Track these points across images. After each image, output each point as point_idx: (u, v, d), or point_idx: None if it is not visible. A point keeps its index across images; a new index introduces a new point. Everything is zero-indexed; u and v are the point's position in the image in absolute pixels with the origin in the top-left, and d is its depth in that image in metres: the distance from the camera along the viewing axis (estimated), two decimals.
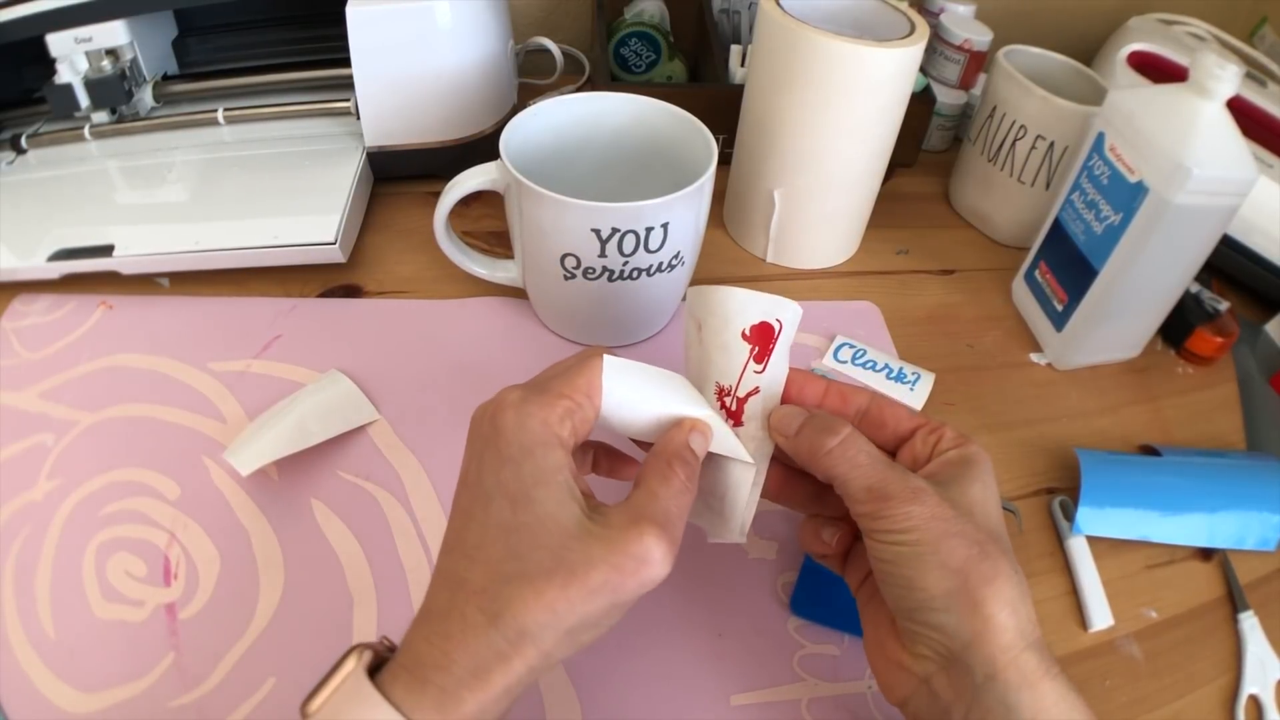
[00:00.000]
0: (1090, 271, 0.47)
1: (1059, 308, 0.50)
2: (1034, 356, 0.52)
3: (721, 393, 0.31)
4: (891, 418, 0.31)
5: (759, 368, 0.31)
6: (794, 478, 0.33)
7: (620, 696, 0.34)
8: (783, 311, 0.31)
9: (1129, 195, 0.44)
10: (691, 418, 0.29)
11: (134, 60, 0.54)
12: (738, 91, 0.54)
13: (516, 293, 0.49)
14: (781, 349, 0.31)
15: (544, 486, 0.26)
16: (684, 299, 0.34)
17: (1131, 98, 0.45)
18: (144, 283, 0.49)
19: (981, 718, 0.25)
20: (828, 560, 0.33)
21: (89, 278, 0.47)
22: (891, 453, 0.31)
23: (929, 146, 0.71)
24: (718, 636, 0.36)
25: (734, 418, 0.31)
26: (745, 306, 0.31)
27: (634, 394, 0.29)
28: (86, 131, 0.55)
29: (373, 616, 0.35)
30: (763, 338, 0.30)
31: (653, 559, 0.25)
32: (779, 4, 0.48)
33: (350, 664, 0.24)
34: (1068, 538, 0.42)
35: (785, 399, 0.31)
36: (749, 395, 0.31)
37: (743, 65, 0.61)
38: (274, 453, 0.38)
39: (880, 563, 0.27)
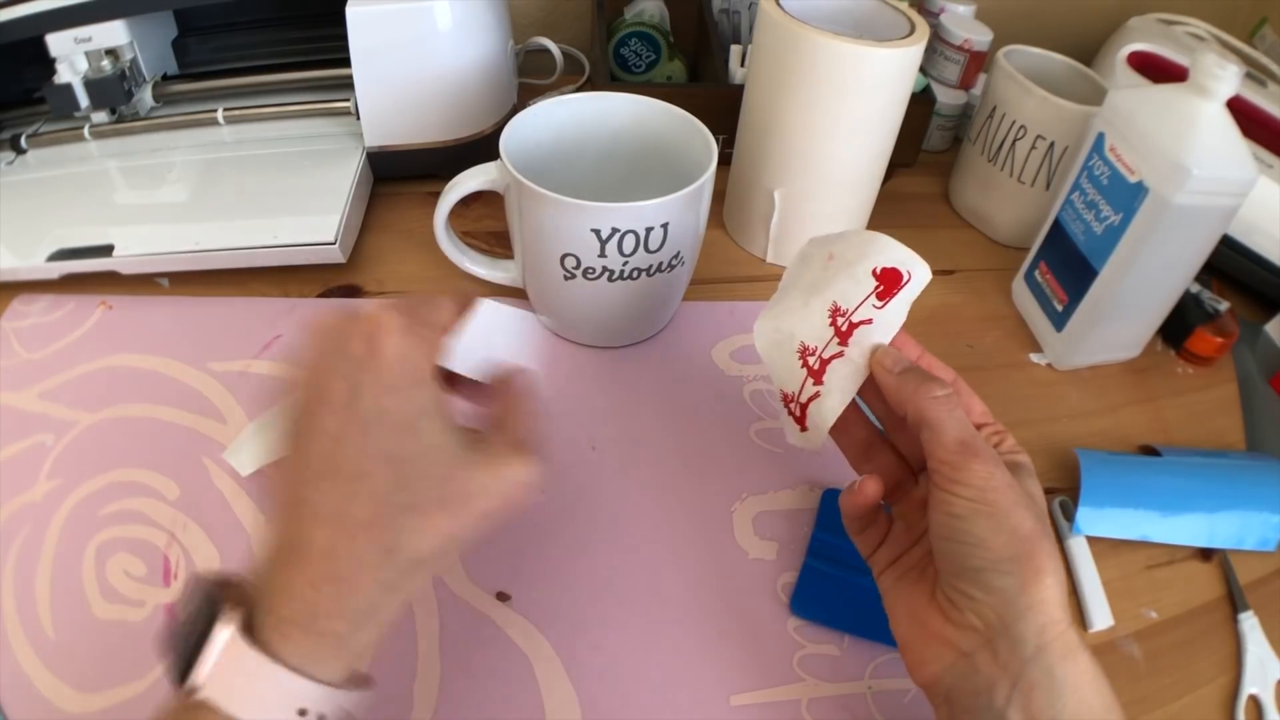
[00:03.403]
0: (1090, 272, 0.47)
1: (1059, 308, 0.50)
2: (1034, 356, 0.52)
3: (835, 312, 0.33)
4: (965, 405, 0.32)
5: (879, 304, 0.32)
6: (856, 417, 0.35)
7: (620, 696, 0.34)
8: (915, 267, 0.33)
9: (1129, 195, 0.44)
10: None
11: (134, 60, 0.54)
12: (738, 91, 0.54)
13: (517, 293, 0.49)
14: (903, 299, 0.32)
15: (429, 418, 0.25)
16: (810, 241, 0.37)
17: (1131, 98, 0.45)
18: (144, 283, 0.49)
19: (1028, 690, 0.26)
20: (861, 537, 0.33)
21: (89, 278, 0.47)
22: None
23: (929, 146, 0.71)
24: (718, 636, 0.36)
25: (841, 338, 0.32)
26: (885, 249, 0.33)
27: (493, 339, 0.32)
28: (86, 131, 0.55)
29: None
30: (890, 280, 0.32)
31: (533, 483, 0.27)
32: (779, 4, 0.48)
33: (225, 631, 0.23)
34: (1068, 538, 0.42)
35: None
36: (861, 323, 0.32)
37: (743, 65, 0.61)
38: (274, 453, 0.38)
39: (951, 518, 0.28)
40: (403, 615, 0.28)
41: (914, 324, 0.56)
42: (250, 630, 0.23)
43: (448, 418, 0.26)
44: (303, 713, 0.22)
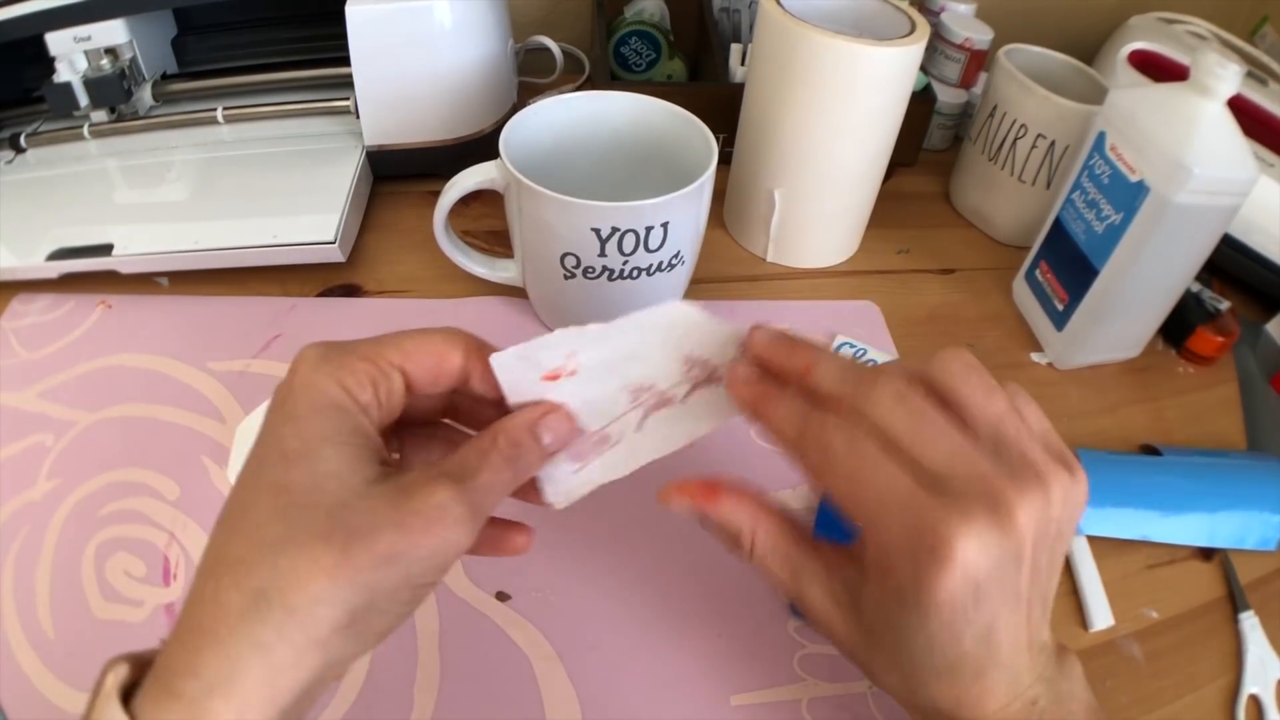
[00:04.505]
0: (1091, 271, 0.47)
1: (1060, 307, 0.50)
2: (1034, 356, 0.52)
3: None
4: (794, 366, 0.26)
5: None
6: None
7: (620, 696, 0.34)
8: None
9: (1130, 195, 0.44)
10: (554, 403, 0.25)
11: (133, 59, 0.54)
12: (738, 91, 0.54)
13: (516, 292, 0.49)
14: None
15: (334, 445, 0.21)
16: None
17: (1132, 97, 0.45)
18: (143, 282, 0.49)
19: None
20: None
21: (88, 277, 0.47)
22: None
23: (929, 146, 0.71)
24: (718, 636, 0.36)
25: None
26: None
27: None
28: (85, 130, 0.55)
29: None
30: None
31: (447, 516, 0.21)
32: (779, 3, 0.48)
33: (107, 683, 0.20)
34: None
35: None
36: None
37: (743, 64, 0.61)
38: None
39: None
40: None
41: (915, 323, 0.56)
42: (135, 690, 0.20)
43: (362, 449, 0.22)
44: None
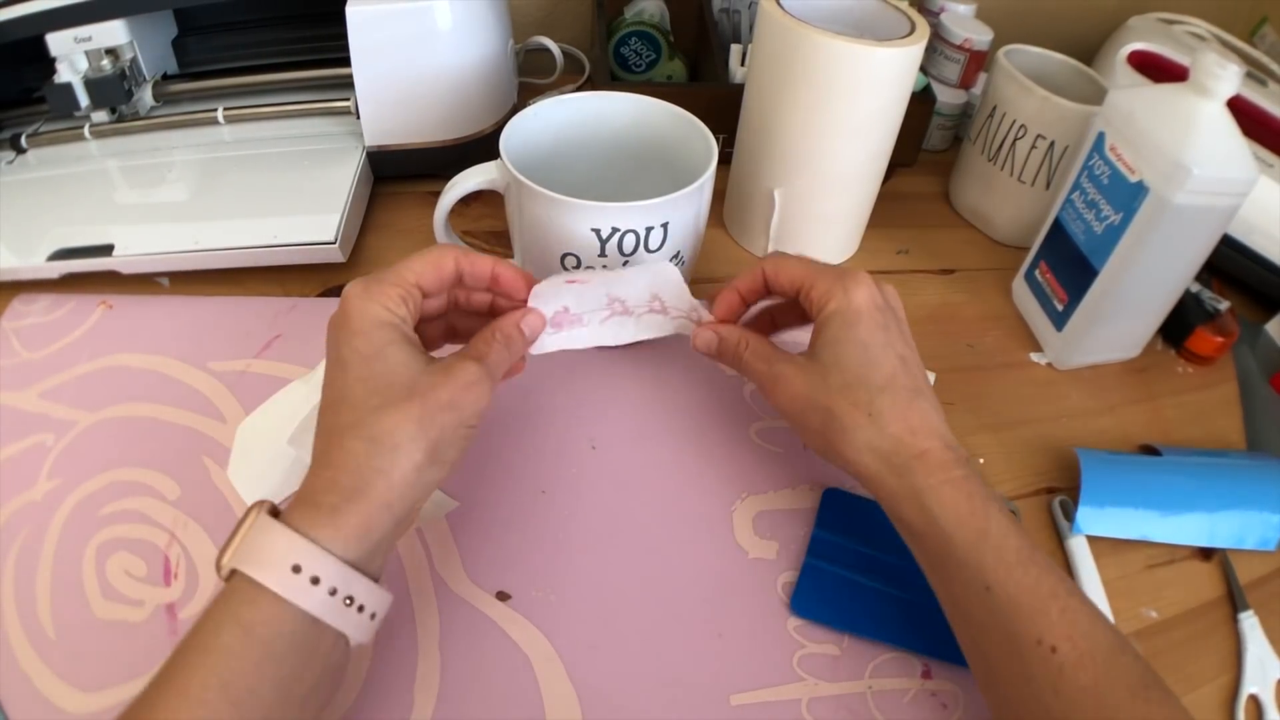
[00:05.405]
0: (1090, 271, 0.47)
1: (1059, 307, 0.50)
2: (1034, 356, 0.52)
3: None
4: (781, 281, 0.37)
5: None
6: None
7: (620, 696, 0.34)
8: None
9: (1129, 195, 0.44)
10: (533, 308, 0.36)
11: (134, 60, 0.54)
12: (738, 91, 0.54)
13: None
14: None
15: (394, 346, 0.31)
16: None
17: (1132, 97, 0.45)
18: (144, 282, 0.49)
19: None
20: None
21: (89, 277, 0.47)
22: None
23: (929, 146, 0.71)
24: (718, 636, 0.36)
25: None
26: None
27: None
28: (86, 131, 0.55)
29: None
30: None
31: (477, 380, 0.31)
32: (779, 3, 0.48)
33: (252, 515, 0.28)
34: (1068, 537, 0.42)
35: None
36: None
37: (743, 65, 0.61)
38: (284, 488, 0.38)
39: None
40: (407, 528, 0.31)
41: (914, 323, 0.56)
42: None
43: (411, 346, 0.31)
44: (296, 569, 0.26)
